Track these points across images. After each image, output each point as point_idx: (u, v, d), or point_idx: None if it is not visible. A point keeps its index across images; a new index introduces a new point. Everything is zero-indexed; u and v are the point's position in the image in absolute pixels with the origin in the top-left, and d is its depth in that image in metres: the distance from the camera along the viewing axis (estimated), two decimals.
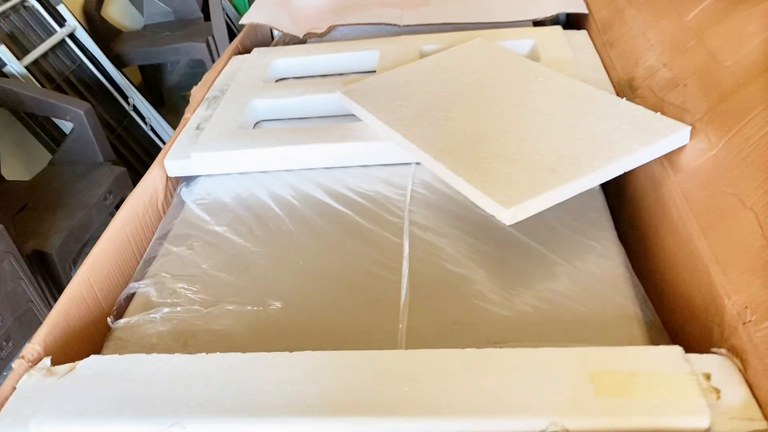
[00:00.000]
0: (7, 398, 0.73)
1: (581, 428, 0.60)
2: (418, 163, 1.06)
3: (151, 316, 0.84)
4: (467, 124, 0.99)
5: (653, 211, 0.92)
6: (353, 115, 1.14)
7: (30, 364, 0.77)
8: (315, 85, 1.27)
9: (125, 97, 2.68)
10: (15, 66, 2.20)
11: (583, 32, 1.35)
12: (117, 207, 2.10)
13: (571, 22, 1.47)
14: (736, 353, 0.66)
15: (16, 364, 0.77)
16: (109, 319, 0.86)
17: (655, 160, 0.91)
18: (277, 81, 1.38)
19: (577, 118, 0.95)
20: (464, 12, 1.46)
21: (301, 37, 1.48)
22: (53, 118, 2.28)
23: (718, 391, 0.61)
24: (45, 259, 1.73)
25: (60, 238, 1.77)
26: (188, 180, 1.12)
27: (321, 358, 0.70)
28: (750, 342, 0.64)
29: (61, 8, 2.53)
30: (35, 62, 2.34)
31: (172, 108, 3.28)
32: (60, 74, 2.44)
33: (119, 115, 2.63)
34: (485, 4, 1.49)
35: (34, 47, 2.37)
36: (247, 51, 1.50)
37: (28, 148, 2.32)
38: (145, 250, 1.01)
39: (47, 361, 0.76)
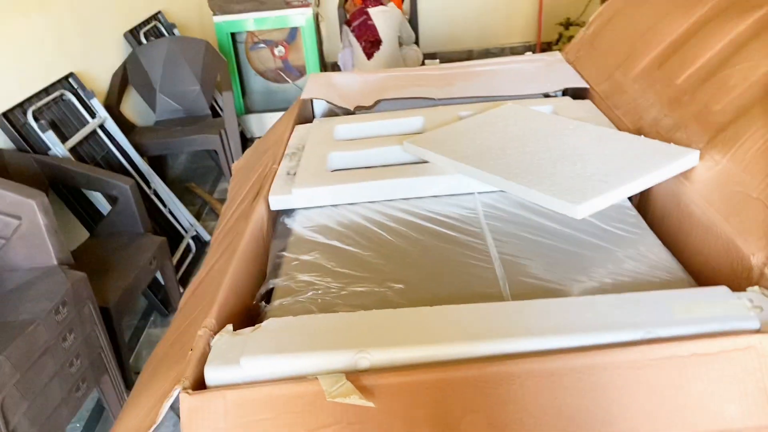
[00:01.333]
0: (204, 354, 0.90)
1: (669, 334, 0.82)
2: (480, 192, 1.31)
3: (298, 298, 1.04)
4: (523, 158, 1.25)
5: (677, 216, 1.19)
6: (414, 163, 1.39)
7: (211, 332, 0.95)
8: (376, 142, 1.53)
9: (147, 183, 2.89)
10: (60, 149, 2.40)
11: (587, 101, 1.67)
12: (160, 272, 2.26)
13: (573, 96, 1.79)
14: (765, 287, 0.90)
15: (201, 332, 0.95)
16: (261, 304, 1.05)
17: (673, 179, 1.19)
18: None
19: (611, 149, 1.23)
20: (487, 88, 1.77)
21: (351, 109, 1.76)
22: (90, 198, 2.46)
23: (760, 308, 0.85)
24: (103, 313, 1.87)
25: (116, 295, 1.92)
26: (287, 213, 1.34)
27: (453, 309, 0.91)
28: None
29: (94, 101, 2.78)
30: (71, 148, 2.55)
31: (177, 197, 3.49)
32: (92, 159, 2.65)
33: (142, 198, 2.82)
34: (502, 81, 1.81)
35: (71, 135, 2.58)
36: (300, 122, 1.76)
37: (64, 223, 2.47)
38: (261, 266, 1.21)
39: (230, 327, 0.94)
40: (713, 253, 1.06)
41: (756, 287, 0.92)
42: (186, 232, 3.02)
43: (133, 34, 3.41)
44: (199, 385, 0.87)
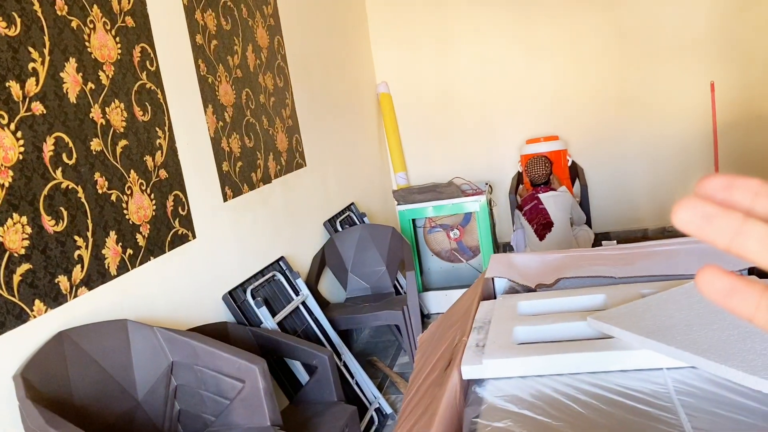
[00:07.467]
0: None
1: None
2: (668, 368, 1.34)
3: None
4: (710, 334, 1.28)
5: None
6: (598, 338, 1.47)
7: None
8: (559, 317, 1.63)
9: (338, 355, 3.15)
10: (270, 323, 2.75)
11: None
12: None
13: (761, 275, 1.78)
14: None
15: None
16: None
17: None
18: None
19: None
20: (667, 267, 1.83)
21: (533, 287, 1.89)
22: (291, 368, 2.74)
23: None
24: None
25: None
26: (478, 382, 1.45)
27: None
28: None
29: (299, 281, 3.17)
30: (278, 321, 2.90)
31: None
32: (294, 332, 2.97)
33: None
34: (684, 260, 1.85)
35: (279, 310, 2.95)
36: (484, 299, 1.92)
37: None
38: (455, 430, 1.32)
39: None
40: None
41: None
42: (370, 404, 3.17)
43: (330, 222, 3.91)
44: None
